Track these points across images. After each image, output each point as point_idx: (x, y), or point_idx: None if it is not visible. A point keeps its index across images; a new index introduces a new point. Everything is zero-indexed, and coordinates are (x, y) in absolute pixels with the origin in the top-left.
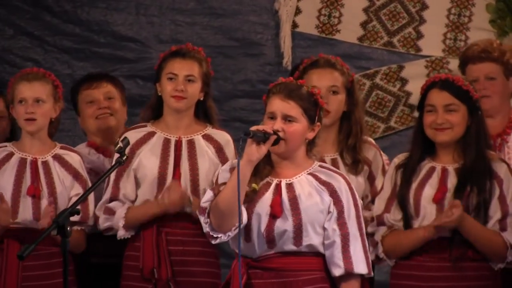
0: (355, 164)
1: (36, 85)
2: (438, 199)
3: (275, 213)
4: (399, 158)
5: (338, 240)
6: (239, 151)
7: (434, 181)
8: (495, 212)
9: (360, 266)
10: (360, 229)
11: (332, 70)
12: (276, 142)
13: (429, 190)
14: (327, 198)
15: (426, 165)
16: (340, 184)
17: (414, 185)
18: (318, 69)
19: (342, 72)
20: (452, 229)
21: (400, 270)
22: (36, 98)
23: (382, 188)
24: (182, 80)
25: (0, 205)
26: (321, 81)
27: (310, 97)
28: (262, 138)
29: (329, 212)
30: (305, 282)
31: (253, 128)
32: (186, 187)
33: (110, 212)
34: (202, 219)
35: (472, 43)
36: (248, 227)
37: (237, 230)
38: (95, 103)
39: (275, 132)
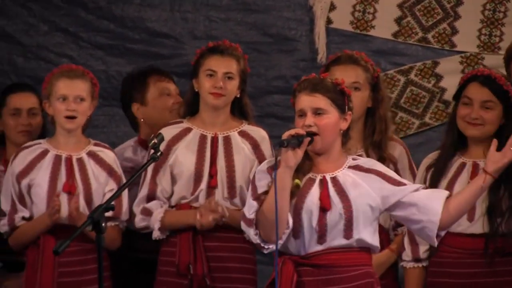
0: (381, 161)
1: (77, 82)
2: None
3: (324, 206)
4: (429, 158)
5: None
6: (276, 163)
7: (464, 177)
8: None
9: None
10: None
11: (354, 66)
12: (311, 142)
13: (459, 187)
14: (378, 183)
15: (457, 161)
16: (381, 166)
17: (444, 183)
18: (340, 65)
19: (365, 68)
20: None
21: (435, 267)
22: (77, 96)
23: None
24: (221, 77)
25: (54, 202)
26: (344, 77)
27: (335, 87)
28: (296, 143)
29: (383, 193)
30: (353, 277)
31: (285, 135)
32: (222, 184)
33: (147, 213)
34: (251, 231)
35: None
36: (297, 223)
37: (286, 235)
38: (170, 95)
39: (308, 133)
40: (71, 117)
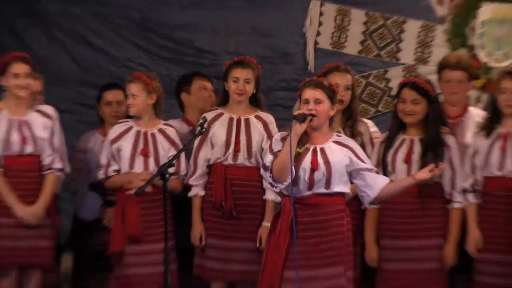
0: (353, 135)
1: (131, 85)
2: (408, 161)
3: (313, 168)
4: (382, 137)
5: (366, 175)
6: (293, 130)
7: (404, 148)
8: (447, 170)
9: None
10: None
11: (347, 74)
12: (311, 120)
13: (401, 154)
14: (347, 154)
15: (399, 138)
16: (353, 144)
17: (391, 151)
18: (338, 72)
19: (352, 75)
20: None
21: (384, 211)
22: (131, 94)
23: (370, 156)
24: (242, 82)
25: (144, 176)
26: (341, 80)
27: (330, 87)
28: (302, 119)
29: (351, 162)
30: (330, 212)
31: (296, 112)
32: (243, 150)
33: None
34: (267, 174)
35: (448, 54)
36: (296, 177)
37: (288, 181)
38: (206, 90)
39: (310, 114)
40: (131, 106)
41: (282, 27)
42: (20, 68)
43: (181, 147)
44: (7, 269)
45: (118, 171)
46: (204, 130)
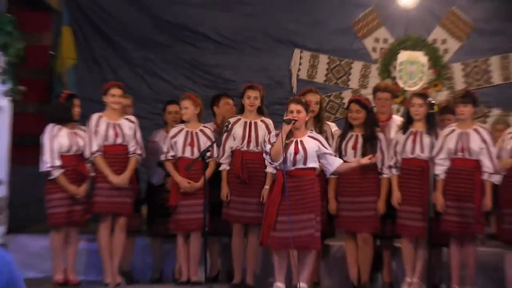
0: (320, 132)
1: (185, 101)
2: (354, 148)
3: (296, 152)
4: (339, 131)
5: (328, 157)
6: (283, 129)
7: (352, 140)
8: (379, 154)
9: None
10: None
11: (317, 94)
12: (294, 123)
13: (350, 144)
14: (317, 144)
15: (349, 134)
16: (320, 137)
17: (344, 142)
18: (311, 93)
19: (320, 95)
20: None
21: (340, 180)
22: (184, 107)
23: (331, 145)
24: (253, 99)
25: (192, 185)
26: (313, 98)
27: (306, 102)
28: (288, 122)
29: (319, 149)
30: (305, 180)
31: (285, 118)
32: (253, 141)
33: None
34: (267, 156)
35: (379, 83)
36: (285, 158)
37: (280, 161)
38: (229, 105)
39: (293, 119)
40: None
41: (277, 66)
42: (115, 91)
43: (214, 140)
44: (104, 215)
45: (174, 156)
46: (228, 129)
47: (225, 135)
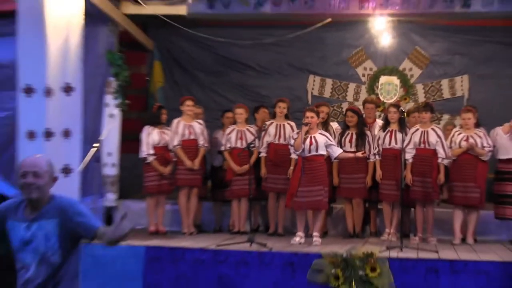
0: (327, 130)
1: (239, 109)
2: (350, 141)
3: (310, 144)
4: (340, 129)
5: (332, 147)
6: (302, 129)
7: (349, 136)
8: (367, 146)
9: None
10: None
11: (325, 106)
12: (309, 125)
13: (347, 138)
14: (325, 138)
15: (347, 132)
16: (327, 134)
17: (343, 138)
18: (324, 106)
19: (328, 106)
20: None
21: (340, 163)
22: (239, 113)
23: (335, 139)
24: (282, 108)
25: (240, 168)
26: (325, 109)
27: (317, 111)
28: (306, 124)
29: (326, 142)
30: (317, 162)
31: (304, 122)
32: (282, 137)
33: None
34: (292, 148)
35: (366, 97)
36: (304, 148)
37: (300, 150)
38: (266, 113)
39: (309, 122)
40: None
41: (298, 86)
42: (188, 102)
43: (256, 136)
44: (183, 187)
45: (229, 147)
46: (265, 129)
47: (263, 133)
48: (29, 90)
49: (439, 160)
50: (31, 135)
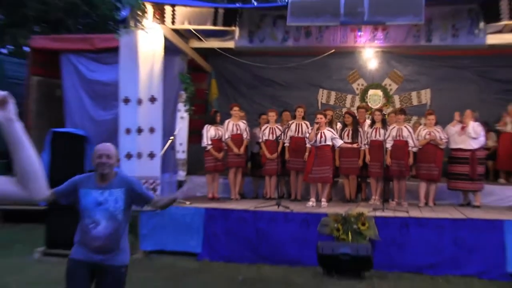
0: (332, 127)
1: (271, 112)
2: (347, 136)
3: (320, 137)
4: (340, 128)
5: (336, 139)
6: (314, 127)
7: (346, 131)
8: (359, 139)
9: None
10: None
11: (331, 110)
12: (319, 124)
13: (345, 133)
14: (331, 133)
15: (345, 128)
16: (332, 130)
17: (343, 133)
18: (330, 110)
19: (333, 111)
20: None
21: (341, 150)
22: (272, 115)
23: (337, 134)
24: (300, 112)
25: (271, 156)
26: (330, 112)
27: (325, 114)
28: (317, 123)
29: (331, 135)
30: (325, 149)
31: (315, 121)
32: (299, 132)
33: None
34: (307, 140)
35: (359, 104)
36: (315, 140)
37: (313, 141)
38: (287, 115)
39: (319, 122)
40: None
41: (311, 97)
42: (236, 108)
43: (282, 132)
44: (231, 167)
45: (264, 139)
46: (288, 126)
47: (287, 129)
48: (126, 100)
49: (409, 148)
50: (128, 131)
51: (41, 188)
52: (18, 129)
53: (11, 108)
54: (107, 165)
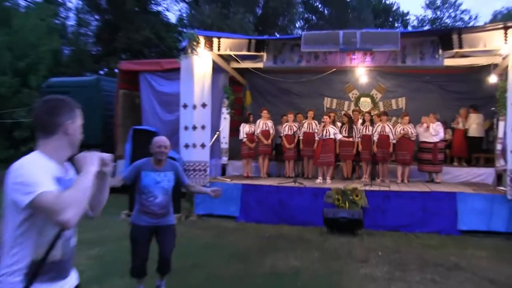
0: (334, 125)
1: (292, 115)
2: (345, 131)
3: (326, 133)
4: (340, 125)
5: (337, 134)
6: (321, 125)
7: (345, 128)
8: (354, 134)
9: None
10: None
11: (334, 113)
12: (324, 123)
13: (343, 129)
14: (333, 130)
15: (344, 126)
16: (334, 127)
17: (341, 129)
18: (332, 112)
19: (335, 113)
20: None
21: (341, 142)
22: (290, 115)
23: (337, 130)
24: (311, 114)
25: (289, 146)
26: (333, 114)
27: (329, 115)
28: (323, 122)
29: (334, 131)
30: (329, 143)
31: (322, 121)
32: (311, 128)
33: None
34: (315, 134)
35: (354, 108)
36: (322, 135)
37: (320, 136)
38: (301, 117)
39: (325, 121)
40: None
41: (318, 103)
42: (264, 111)
43: (297, 128)
44: (261, 154)
45: (284, 134)
46: (302, 125)
47: (301, 127)
48: (185, 106)
49: (390, 140)
50: (186, 128)
51: (99, 211)
52: (109, 178)
53: (110, 165)
54: (164, 153)
